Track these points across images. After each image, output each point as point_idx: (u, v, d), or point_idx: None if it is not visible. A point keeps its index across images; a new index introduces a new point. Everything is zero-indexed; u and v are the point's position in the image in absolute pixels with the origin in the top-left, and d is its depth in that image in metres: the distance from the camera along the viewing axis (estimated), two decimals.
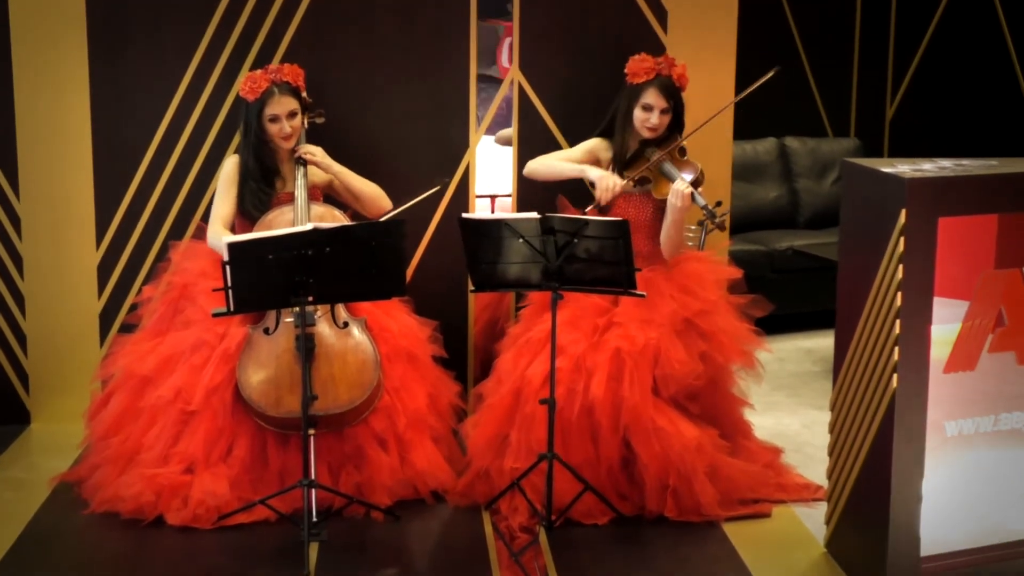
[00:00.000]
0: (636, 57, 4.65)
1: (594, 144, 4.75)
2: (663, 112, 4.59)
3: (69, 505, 4.37)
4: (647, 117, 4.59)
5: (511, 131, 5.30)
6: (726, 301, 4.52)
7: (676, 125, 4.65)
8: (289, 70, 4.62)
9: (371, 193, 4.71)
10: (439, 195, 4.99)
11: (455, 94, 5.06)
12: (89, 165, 5.04)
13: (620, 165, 4.63)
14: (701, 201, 4.39)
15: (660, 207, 4.58)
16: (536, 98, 5.08)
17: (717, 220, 4.34)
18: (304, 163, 4.58)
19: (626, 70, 4.65)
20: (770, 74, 4.53)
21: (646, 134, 4.61)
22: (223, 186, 4.62)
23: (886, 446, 3.67)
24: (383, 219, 4.58)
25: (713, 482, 4.30)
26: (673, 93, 4.60)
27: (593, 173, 4.57)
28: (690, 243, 4.92)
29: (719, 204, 4.37)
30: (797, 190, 7.57)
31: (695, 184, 4.46)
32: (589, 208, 4.57)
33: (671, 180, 4.48)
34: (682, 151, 4.61)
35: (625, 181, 4.53)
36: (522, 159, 5.05)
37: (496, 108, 5.29)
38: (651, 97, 4.58)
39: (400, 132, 5.06)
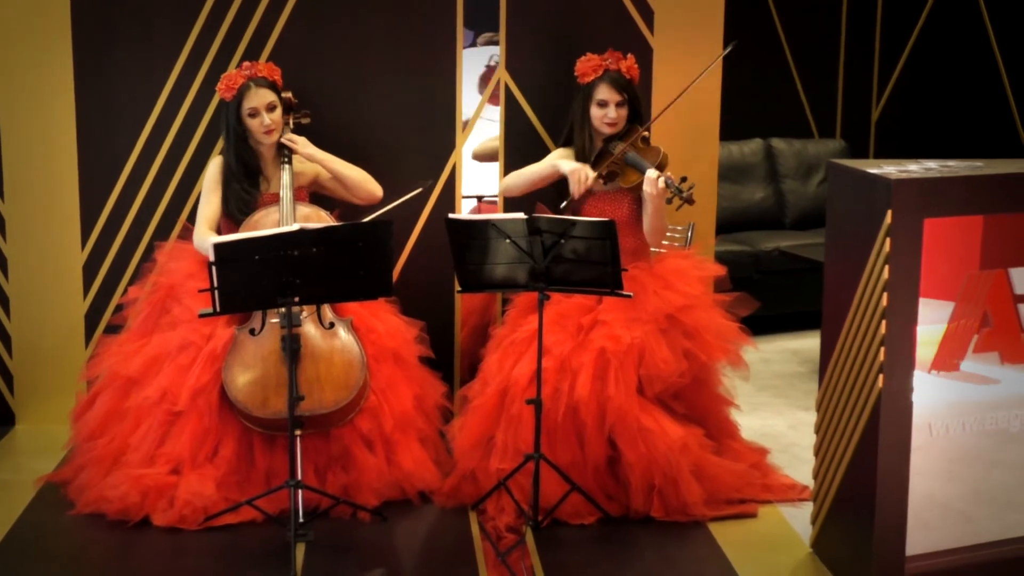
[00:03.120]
0: (582, 58, 4.69)
1: (560, 154, 4.77)
2: (619, 105, 4.62)
3: (55, 506, 4.36)
4: (604, 113, 4.62)
5: (487, 144, 5.29)
6: (710, 298, 4.53)
7: (635, 117, 4.68)
8: (264, 66, 4.62)
9: (358, 177, 4.70)
10: (424, 196, 4.99)
11: (441, 95, 5.06)
12: (74, 165, 5.03)
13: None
14: (669, 182, 4.42)
15: (636, 201, 4.60)
16: (522, 98, 5.08)
17: (684, 195, 4.36)
18: (289, 160, 4.58)
19: (575, 72, 4.68)
20: (729, 47, 4.63)
21: (606, 130, 4.64)
22: (208, 187, 4.62)
23: (872, 446, 3.68)
24: (369, 219, 4.58)
25: (699, 482, 4.31)
26: (625, 85, 4.63)
27: (565, 166, 4.60)
28: (676, 243, 4.93)
29: (684, 180, 4.39)
30: (783, 191, 7.59)
31: (660, 168, 4.49)
32: (563, 205, 4.59)
33: (637, 169, 4.51)
34: (645, 140, 4.63)
35: (596, 173, 4.55)
36: (508, 159, 5.06)
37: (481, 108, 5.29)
38: (604, 92, 4.61)
39: (386, 133, 5.05)
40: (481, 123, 5.42)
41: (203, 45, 4.97)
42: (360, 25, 5.01)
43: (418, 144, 5.08)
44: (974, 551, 3.87)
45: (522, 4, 5.05)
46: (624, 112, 4.64)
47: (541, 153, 4.89)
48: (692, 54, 5.09)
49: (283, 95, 4.65)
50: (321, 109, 4.84)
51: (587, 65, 4.67)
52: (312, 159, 4.64)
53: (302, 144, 4.61)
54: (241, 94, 4.53)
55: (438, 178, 5.08)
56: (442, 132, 5.08)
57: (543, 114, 5.10)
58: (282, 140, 4.59)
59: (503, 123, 5.11)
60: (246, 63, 4.64)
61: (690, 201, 4.36)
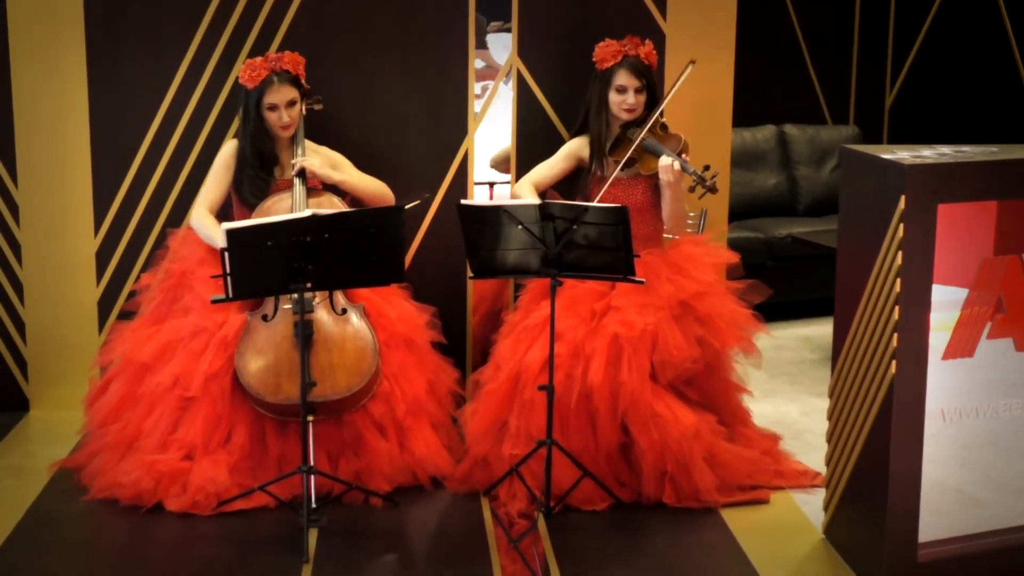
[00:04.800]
0: (601, 44, 4.68)
1: (574, 145, 4.75)
2: (637, 91, 4.61)
3: (68, 492, 4.38)
4: (623, 99, 4.61)
5: (505, 150, 5.28)
6: (723, 284, 4.53)
7: (652, 103, 4.66)
8: (289, 58, 4.61)
9: (374, 193, 4.71)
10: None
11: (453, 82, 5.06)
12: (87, 152, 5.04)
13: (602, 153, 4.63)
14: (689, 168, 4.41)
15: (651, 188, 4.60)
16: (535, 85, 5.08)
17: (708, 184, 4.35)
18: (303, 179, 4.57)
19: (594, 58, 4.68)
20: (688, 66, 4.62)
21: (624, 116, 4.63)
22: (217, 171, 4.62)
23: (884, 433, 3.67)
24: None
25: (711, 468, 4.31)
26: (644, 71, 4.62)
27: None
28: (689, 229, 4.93)
29: (707, 168, 4.38)
30: (796, 178, 7.57)
31: (680, 154, 4.48)
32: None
33: (656, 155, 4.49)
34: (663, 127, 4.62)
35: (614, 159, 4.56)
36: (521, 146, 5.05)
37: (494, 94, 5.28)
38: (623, 78, 4.60)
39: (399, 120, 5.05)
40: (494, 109, 5.41)
41: (214, 34, 4.96)
42: (370, 12, 5.00)
43: (430, 131, 5.08)
44: (986, 538, 3.87)
45: None
46: (642, 98, 4.63)
47: (553, 139, 4.89)
48: (705, 41, 5.08)
49: (300, 84, 4.65)
50: (332, 98, 4.83)
51: (606, 51, 4.65)
52: (329, 180, 4.64)
53: (319, 167, 4.60)
54: (263, 89, 4.53)
55: (446, 172, 5.07)
56: (454, 118, 5.08)
57: (556, 100, 5.09)
58: (296, 162, 4.57)
59: (515, 111, 5.10)
60: (271, 53, 4.64)
61: (713, 190, 4.35)
